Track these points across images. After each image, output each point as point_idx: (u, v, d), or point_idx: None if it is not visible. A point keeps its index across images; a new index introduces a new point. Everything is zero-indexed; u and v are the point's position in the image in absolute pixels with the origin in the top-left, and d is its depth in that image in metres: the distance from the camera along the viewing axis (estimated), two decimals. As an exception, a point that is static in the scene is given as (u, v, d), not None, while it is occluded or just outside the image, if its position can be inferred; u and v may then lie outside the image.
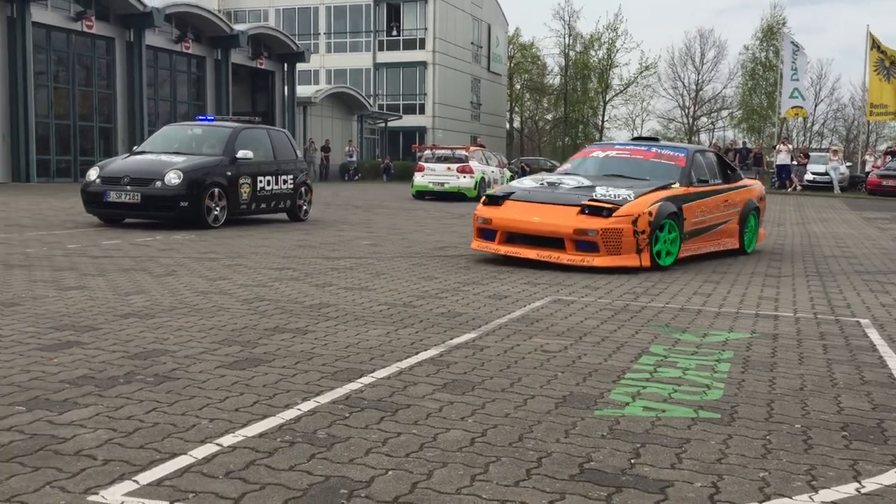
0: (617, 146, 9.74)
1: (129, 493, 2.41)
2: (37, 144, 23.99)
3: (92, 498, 2.37)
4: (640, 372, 4.03)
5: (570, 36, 60.28)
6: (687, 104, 63.95)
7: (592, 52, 60.77)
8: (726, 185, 9.41)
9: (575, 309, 5.74)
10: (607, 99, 62.30)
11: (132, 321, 4.86)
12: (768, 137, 52.04)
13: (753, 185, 10.20)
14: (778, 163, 31.67)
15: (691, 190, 8.60)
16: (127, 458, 2.68)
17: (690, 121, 64.01)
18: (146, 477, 2.53)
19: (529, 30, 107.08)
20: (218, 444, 2.83)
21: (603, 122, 62.85)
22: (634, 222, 7.73)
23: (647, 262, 7.83)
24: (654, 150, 9.22)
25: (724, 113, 63.39)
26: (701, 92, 63.37)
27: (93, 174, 11.31)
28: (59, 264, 7.24)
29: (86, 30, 25.66)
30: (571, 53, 60.69)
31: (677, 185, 8.49)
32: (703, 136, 64.96)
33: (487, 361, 4.14)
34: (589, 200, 7.91)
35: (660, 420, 3.27)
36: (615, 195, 7.97)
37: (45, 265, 7.16)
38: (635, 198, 7.94)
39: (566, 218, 7.83)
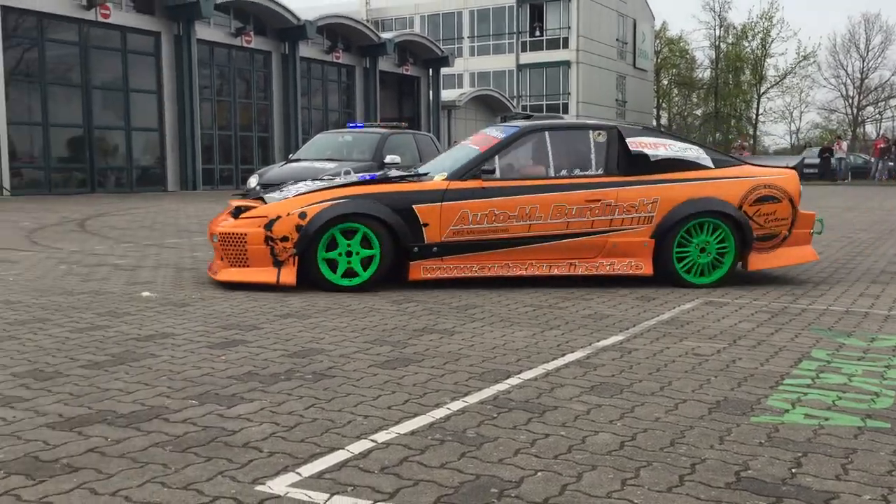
0: (481, 132, 7.41)
1: (293, 485, 2.55)
2: (202, 154, 25.64)
3: (259, 488, 2.53)
4: (800, 378, 3.84)
5: (720, 27, 58.14)
6: (850, 94, 60.16)
7: (745, 43, 58.33)
8: (603, 179, 6.49)
9: (728, 311, 5.54)
10: (761, 91, 59.57)
11: (291, 321, 5.11)
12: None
13: (721, 180, 6.58)
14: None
15: (468, 185, 6.33)
16: (290, 450, 2.84)
17: (854, 111, 60.17)
18: (308, 469, 2.67)
19: (677, 23, 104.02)
20: (373, 441, 2.94)
21: (757, 115, 60.18)
22: (269, 226, 6.07)
23: (289, 278, 6.11)
24: (490, 133, 7.01)
25: (893, 102, 59.21)
26: (866, 80, 59.45)
27: (253, 181, 12.00)
28: (223, 267, 7.70)
29: (245, 45, 27.18)
30: (722, 45, 58.50)
31: (442, 175, 6.46)
32: (869, 127, 60.98)
33: (636, 364, 4.07)
34: (252, 199, 6.60)
35: (823, 428, 3.12)
36: (288, 192, 6.55)
37: (211, 268, 7.63)
38: (297, 194, 6.36)
39: (220, 220, 6.55)
